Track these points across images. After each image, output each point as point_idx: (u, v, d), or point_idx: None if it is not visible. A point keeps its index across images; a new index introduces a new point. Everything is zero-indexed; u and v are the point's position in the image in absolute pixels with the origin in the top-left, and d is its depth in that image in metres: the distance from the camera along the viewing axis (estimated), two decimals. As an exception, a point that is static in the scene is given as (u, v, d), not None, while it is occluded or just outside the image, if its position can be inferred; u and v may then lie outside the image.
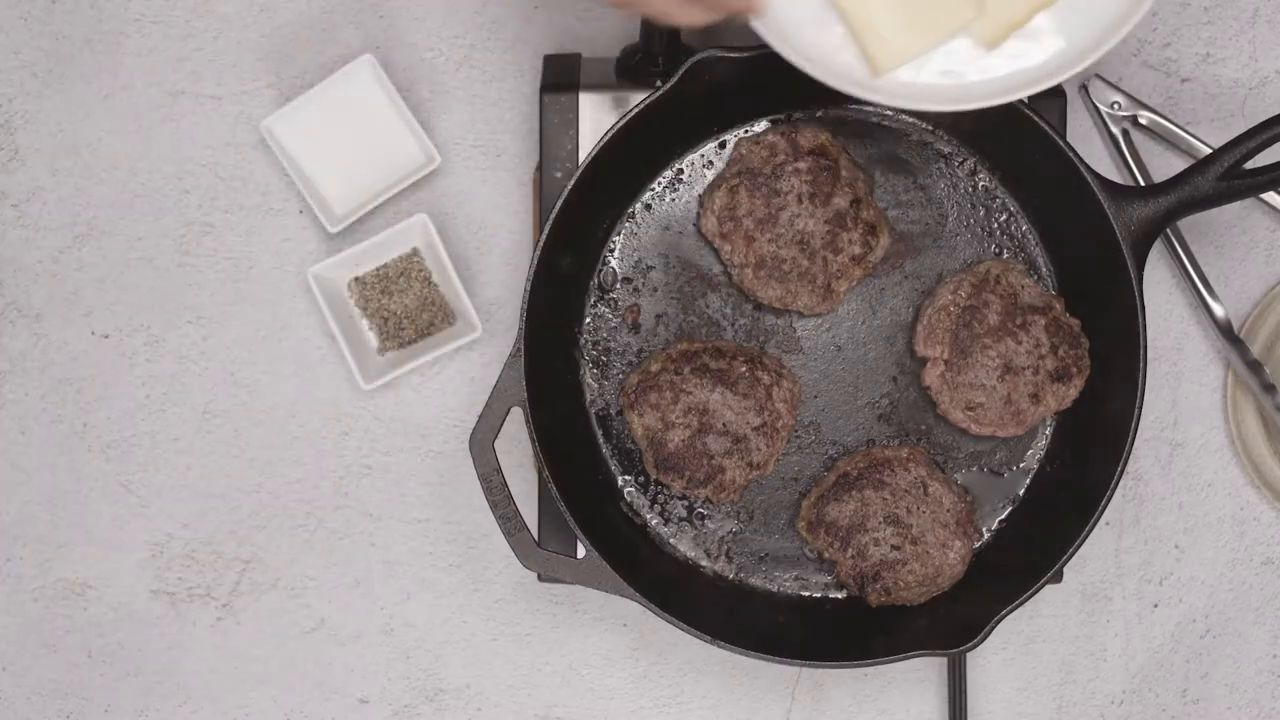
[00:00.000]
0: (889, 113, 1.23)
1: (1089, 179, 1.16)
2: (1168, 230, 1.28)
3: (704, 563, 1.25)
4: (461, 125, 1.31)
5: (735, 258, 1.21)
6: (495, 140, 1.31)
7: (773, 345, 1.24)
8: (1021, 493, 1.25)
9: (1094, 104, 1.29)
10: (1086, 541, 1.16)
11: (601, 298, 1.24)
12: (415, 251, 1.29)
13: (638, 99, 1.15)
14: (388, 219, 1.30)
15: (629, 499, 1.25)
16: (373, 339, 1.31)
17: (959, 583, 1.22)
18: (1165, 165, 1.30)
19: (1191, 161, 1.22)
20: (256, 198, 1.31)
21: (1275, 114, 1.16)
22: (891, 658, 1.17)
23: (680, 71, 1.11)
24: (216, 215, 1.31)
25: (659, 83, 1.15)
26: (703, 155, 1.23)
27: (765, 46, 1.13)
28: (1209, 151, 1.19)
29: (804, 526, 1.23)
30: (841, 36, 1.07)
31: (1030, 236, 1.24)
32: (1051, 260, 1.24)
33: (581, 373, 1.25)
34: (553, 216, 1.17)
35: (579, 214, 1.19)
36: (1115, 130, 1.29)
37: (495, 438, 1.16)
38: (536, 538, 1.21)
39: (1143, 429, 1.25)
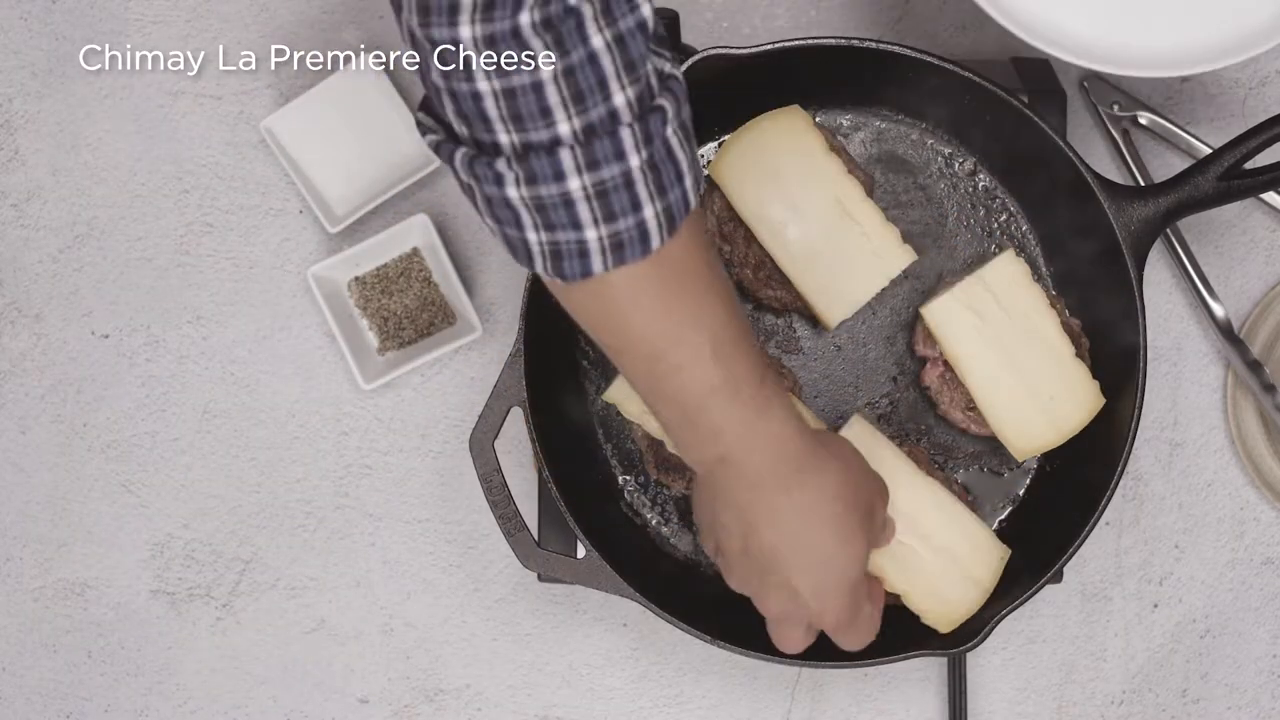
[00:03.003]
0: (888, 113, 1.23)
1: (1089, 179, 1.16)
2: (1168, 230, 1.28)
3: (704, 563, 1.25)
4: (461, 125, 1.30)
5: (735, 258, 1.21)
6: (495, 140, 1.30)
7: (773, 345, 1.24)
8: (1021, 493, 1.25)
9: (1094, 104, 1.29)
10: (1086, 541, 1.16)
11: (601, 298, 1.24)
12: (415, 251, 1.29)
13: (638, 99, 1.15)
14: (388, 219, 1.30)
15: (629, 499, 1.25)
16: (373, 339, 1.31)
17: (959, 583, 1.22)
18: (1165, 165, 1.29)
19: (1191, 161, 1.21)
20: (256, 198, 1.31)
21: (1275, 114, 1.16)
22: (891, 658, 1.16)
23: (680, 70, 1.11)
24: (216, 215, 1.31)
25: (659, 83, 1.15)
26: (703, 155, 1.23)
27: (765, 46, 1.13)
28: (1209, 151, 1.19)
29: (804, 526, 1.23)
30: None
31: (1030, 236, 1.24)
32: (1051, 260, 1.24)
33: (581, 373, 1.25)
34: (553, 216, 1.16)
35: (579, 214, 1.18)
36: (1115, 130, 1.29)
37: (495, 438, 1.16)
38: (536, 538, 1.21)
39: (1143, 429, 1.25)
